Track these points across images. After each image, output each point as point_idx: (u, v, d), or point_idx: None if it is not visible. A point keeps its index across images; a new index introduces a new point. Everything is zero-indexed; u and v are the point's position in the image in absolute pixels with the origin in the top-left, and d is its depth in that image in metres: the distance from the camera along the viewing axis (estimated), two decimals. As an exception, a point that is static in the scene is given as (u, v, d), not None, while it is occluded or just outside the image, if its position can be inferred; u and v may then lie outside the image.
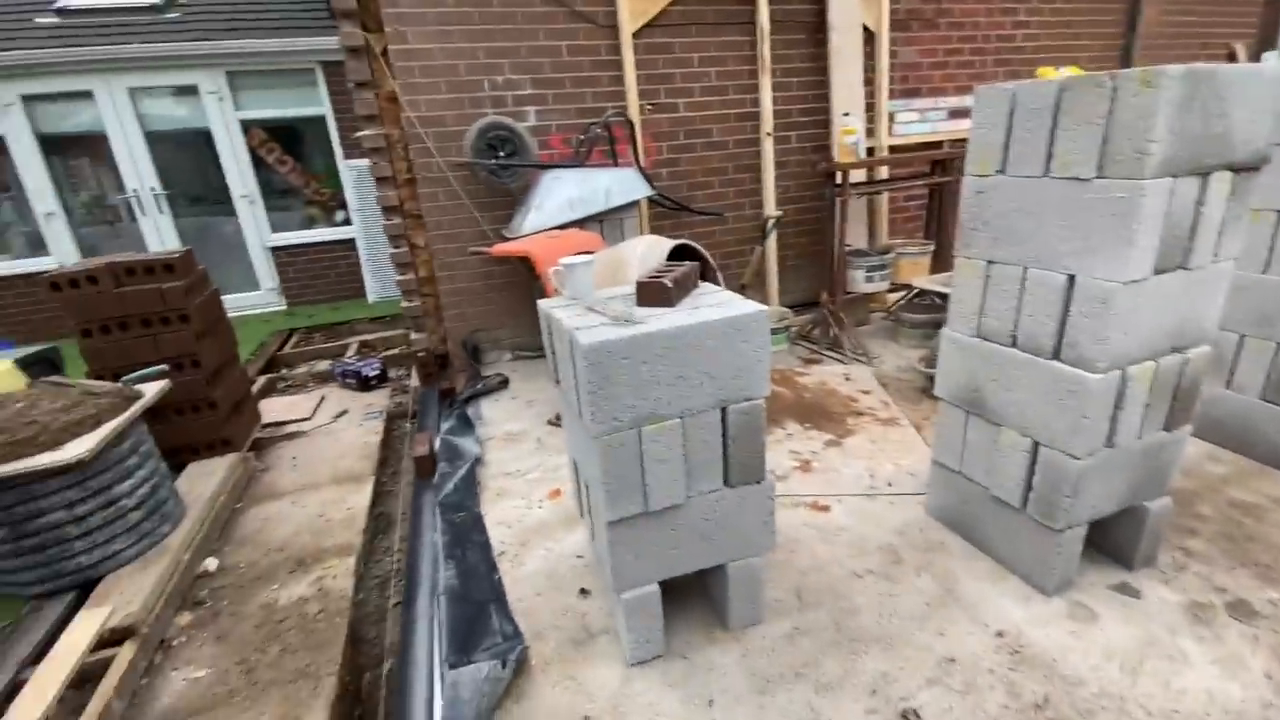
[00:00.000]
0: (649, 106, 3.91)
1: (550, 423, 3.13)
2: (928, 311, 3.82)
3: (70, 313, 2.78)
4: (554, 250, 2.98)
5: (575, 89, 3.74)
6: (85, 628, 1.83)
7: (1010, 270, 1.72)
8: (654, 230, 4.13)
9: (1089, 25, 4.91)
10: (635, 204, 3.61)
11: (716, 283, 2.90)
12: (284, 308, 6.86)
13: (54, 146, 6.02)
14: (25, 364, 2.93)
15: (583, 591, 1.92)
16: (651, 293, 1.54)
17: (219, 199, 6.52)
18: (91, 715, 1.70)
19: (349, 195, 6.61)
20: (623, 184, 3.44)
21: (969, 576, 1.89)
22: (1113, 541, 1.89)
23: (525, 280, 3.77)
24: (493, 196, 3.73)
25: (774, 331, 3.91)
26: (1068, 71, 3.31)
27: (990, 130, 1.72)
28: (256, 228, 6.63)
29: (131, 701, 1.86)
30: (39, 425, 2.12)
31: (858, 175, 4.12)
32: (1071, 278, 1.57)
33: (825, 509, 2.27)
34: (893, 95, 4.46)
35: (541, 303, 1.74)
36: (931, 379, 3.04)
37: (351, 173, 6.47)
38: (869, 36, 4.22)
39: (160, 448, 2.70)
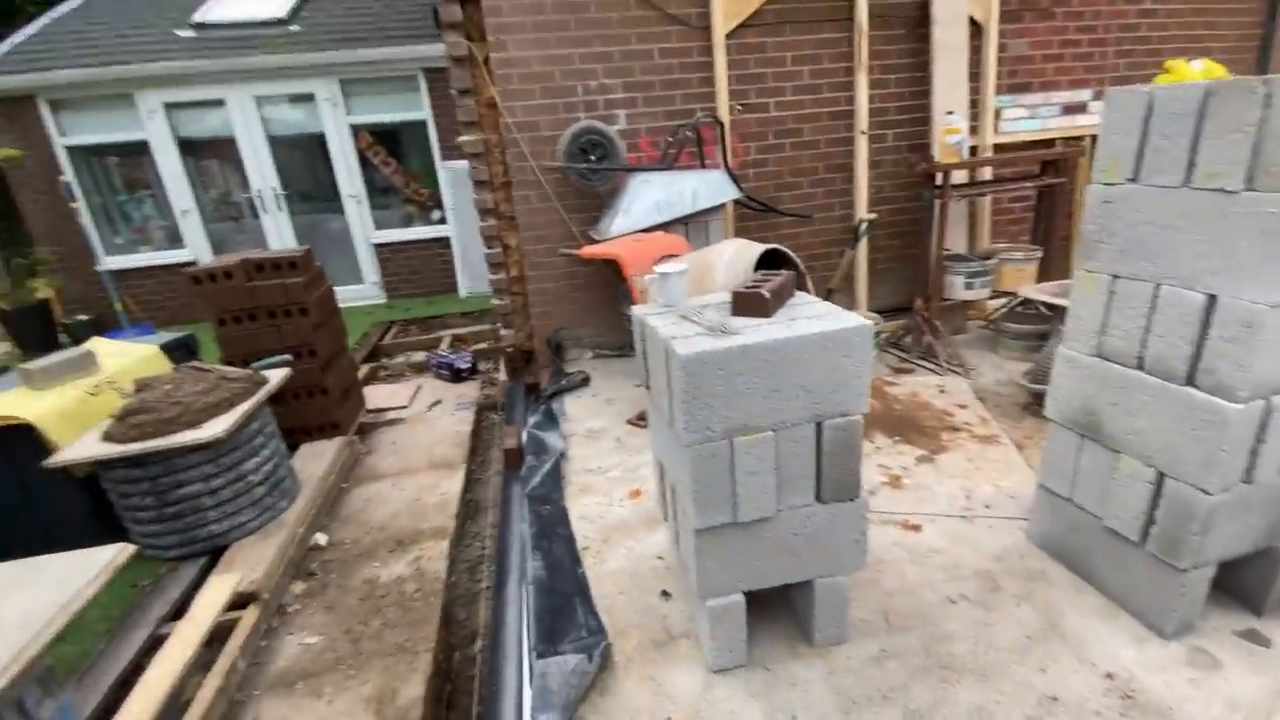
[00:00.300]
0: (739, 107, 3.88)
1: (630, 422, 3.18)
2: (1032, 322, 3.59)
3: (209, 304, 3.09)
4: (640, 253, 3.03)
5: (665, 91, 3.77)
6: (219, 590, 2.04)
7: (1139, 287, 1.60)
8: (739, 232, 4.10)
9: (1224, 14, 4.42)
10: (721, 206, 3.59)
11: (807, 289, 2.86)
12: (384, 301, 7.31)
13: (189, 149, 6.68)
14: (167, 349, 3.28)
15: (664, 594, 1.94)
16: (748, 303, 1.54)
17: (329, 198, 7.02)
18: (219, 671, 1.89)
19: (445, 195, 6.95)
20: (709, 186, 3.44)
21: (1075, 611, 1.77)
22: (1241, 584, 1.72)
23: (608, 281, 3.84)
24: (582, 199, 3.82)
25: (861, 338, 3.78)
26: (1202, 65, 3.01)
27: (1122, 135, 1.60)
28: (362, 225, 7.10)
29: (252, 661, 2.06)
30: (182, 406, 2.38)
31: (959, 176, 3.92)
32: (1212, 298, 1.44)
33: (916, 529, 2.19)
34: (1000, 90, 4.20)
35: (635, 309, 1.77)
36: (1036, 396, 2.86)
37: (447, 174, 6.79)
38: (975, 29, 3.99)
39: (279, 428, 2.96)
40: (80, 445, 2.31)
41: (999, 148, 4.28)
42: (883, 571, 1.99)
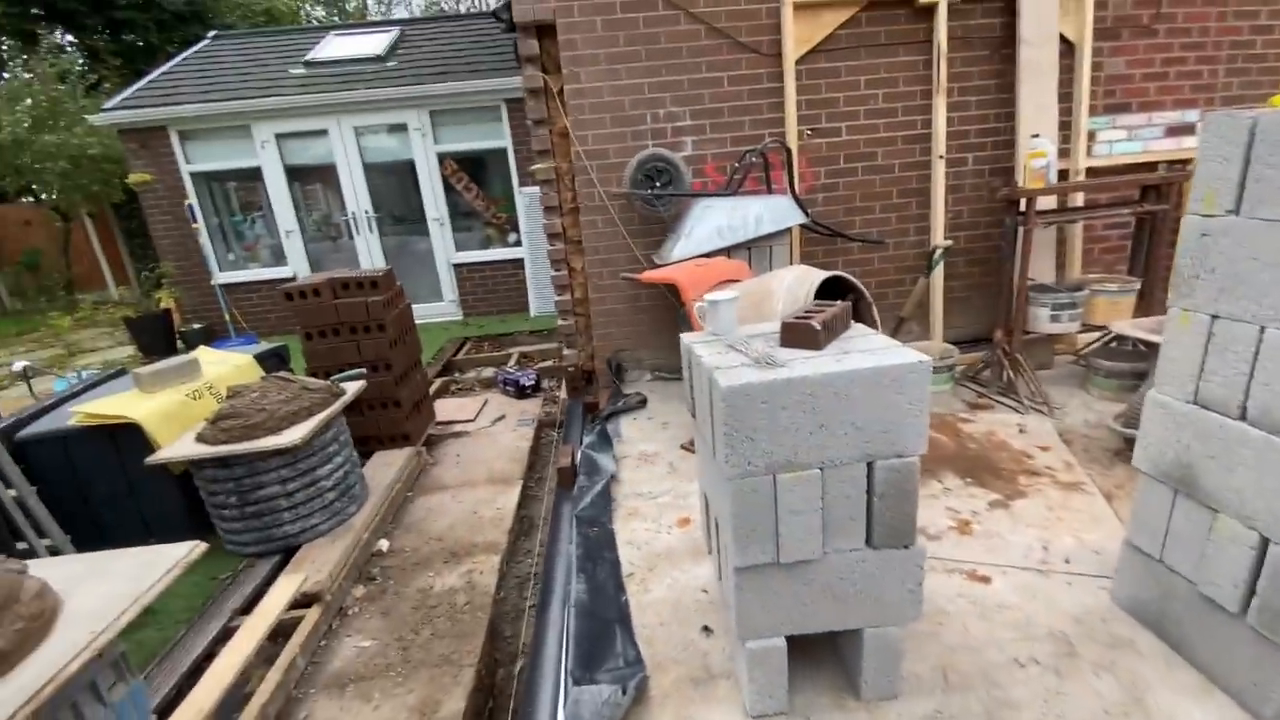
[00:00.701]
0: (808, 132, 3.83)
1: (684, 447, 3.16)
2: (1128, 359, 3.29)
3: (298, 319, 3.33)
4: (700, 278, 3.02)
5: (733, 118, 3.77)
6: (284, 589, 2.17)
7: (1242, 329, 1.44)
8: (806, 257, 4.02)
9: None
10: (786, 231, 3.54)
11: (871, 318, 2.76)
12: (460, 318, 7.65)
13: (295, 175, 7.29)
14: (260, 358, 3.56)
15: (705, 629, 1.90)
16: (797, 334, 1.51)
17: (416, 220, 7.46)
18: (280, 666, 2.00)
19: (520, 219, 7.23)
20: (774, 212, 3.39)
21: (1163, 686, 1.58)
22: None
23: (668, 304, 3.85)
24: (646, 224, 3.87)
25: (935, 370, 3.60)
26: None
27: (1221, 163, 1.46)
28: (444, 246, 7.48)
29: (311, 660, 2.17)
30: (267, 413, 2.56)
31: (1046, 202, 3.69)
32: (1333, 344, 1.27)
33: (984, 580, 2.03)
34: (1094, 111, 3.93)
35: (684, 336, 1.77)
36: (1129, 441, 2.62)
37: (524, 199, 7.06)
38: (1067, 48, 3.77)
39: (353, 437, 3.14)
40: (177, 445, 2.53)
41: (1093, 171, 4.00)
42: (944, 624, 1.86)
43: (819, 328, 1.47)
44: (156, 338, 6.73)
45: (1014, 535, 2.25)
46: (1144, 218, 3.54)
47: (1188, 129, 4.09)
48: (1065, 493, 2.51)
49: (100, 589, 1.41)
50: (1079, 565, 2.07)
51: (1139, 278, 3.53)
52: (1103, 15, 3.80)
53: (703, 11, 3.56)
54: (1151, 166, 3.95)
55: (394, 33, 8.08)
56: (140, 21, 12.28)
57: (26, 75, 8.66)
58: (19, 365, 4.70)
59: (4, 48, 11.63)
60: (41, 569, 1.52)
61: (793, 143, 3.75)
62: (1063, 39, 3.73)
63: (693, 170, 3.82)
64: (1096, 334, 3.65)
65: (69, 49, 12.04)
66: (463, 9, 18.10)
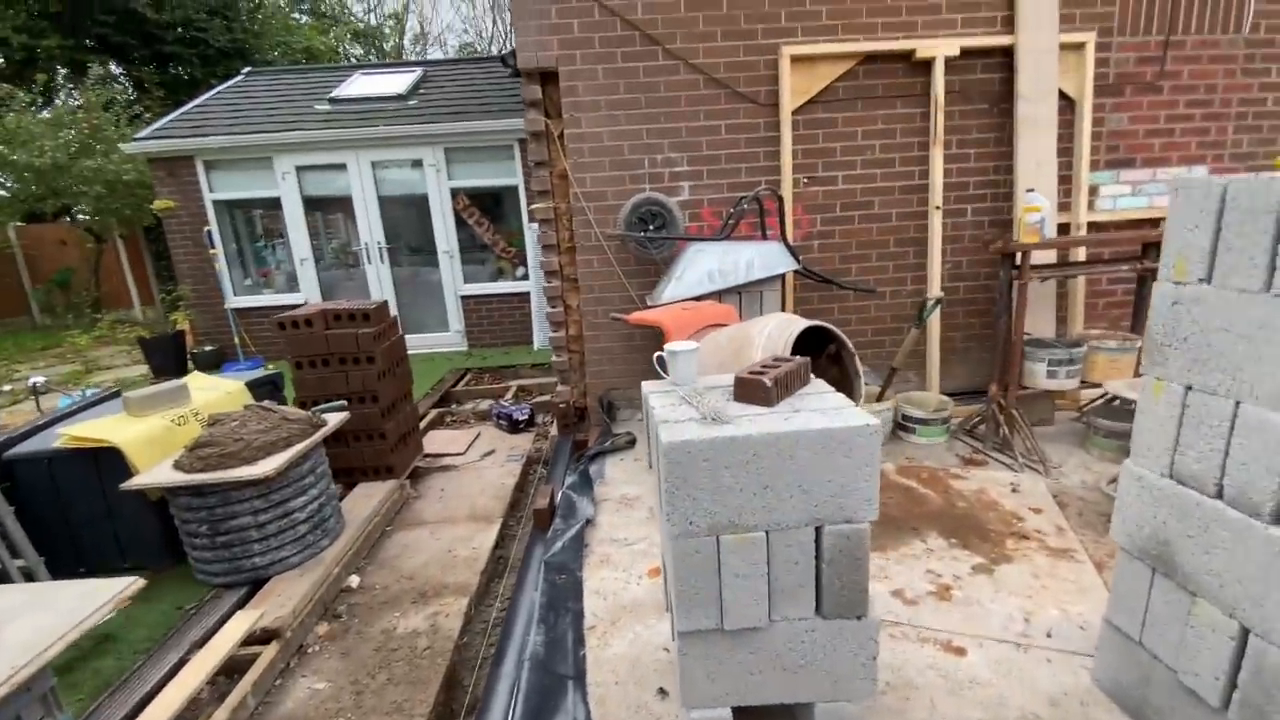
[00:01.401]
0: (805, 180, 3.85)
1: (669, 493, 3.09)
2: (1129, 419, 3.18)
3: (290, 348, 3.37)
4: (685, 322, 3.01)
5: (730, 164, 3.81)
6: (239, 625, 2.13)
7: (1217, 403, 1.38)
8: (799, 302, 4.00)
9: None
10: (778, 276, 3.53)
11: (855, 368, 2.71)
12: (465, 348, 7.71)
13: (312, 205, 7.49)
14: (253, 385, 3.59)
15: (661, 691, 1.82)
16: (749, 390, 1.47)
17: (427, 252, 7.60)
18: (229, 705, 1.95)
19: (529, 253, 7.32)
20: (766, 257, 3.39)
21: (1144, 783, 1.47)
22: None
23: (659, 346, 3.83)
24: (641, 264, 3.89)
25: (929, 423, 3.53)
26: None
27: (1192, 230, 1.42)
28: (453, 278, 7.59)
29: (263, 699, 2.11)
30: (244, 442, 2.57)
31: (1045, 257, 3.65)
32: (1305, 423, 1.21)
33: (959, 652, 1.93)
34: (1096, 166, 3.92)
35: (645, 385, 1.74)
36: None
37: (532, 234, 7.16)
38: (1067, 103, 3.78)
39: (334, 468, 3.13)
40: (153, 472, 2.54)
41: (1096, 226, 3.96)
42: (910, 699, 1.76)
43: (770, 384, 1.44)
44: (168, 358, 6.86)
45: (995, 604, 2.15)
46: (1145, 274, 3.48)
47: (1194, 186, 4.04)
48: (1054, 559, 2.40)
49: (36, 621, 1.39)
50: (1061, 640, 1.96)
51: (1140, 335, 3.44)
52: (1104, 72, 3.81)
53: (702, 62, 3.64)
54: (1157, 223, 3.90)
55: (417, 73, 8.38)
56: (186, 56, 12.92)
57: (74, 103, 9.11)
58: (33, 380, 4.81)
59: (57, 78, 12.27)
60: (-16, 598, 1.50)
61: (788, 190, 3.77)
62: (1063, 95, 3.75)
63: (689, 214, 3.86)
64: (1098, 390, 3.56)
65: (119, 80, 12.69)
66: (494, 49, 18.79)
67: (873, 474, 1.33)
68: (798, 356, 1.58)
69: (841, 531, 1.35)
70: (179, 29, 12.54)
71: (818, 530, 1.35)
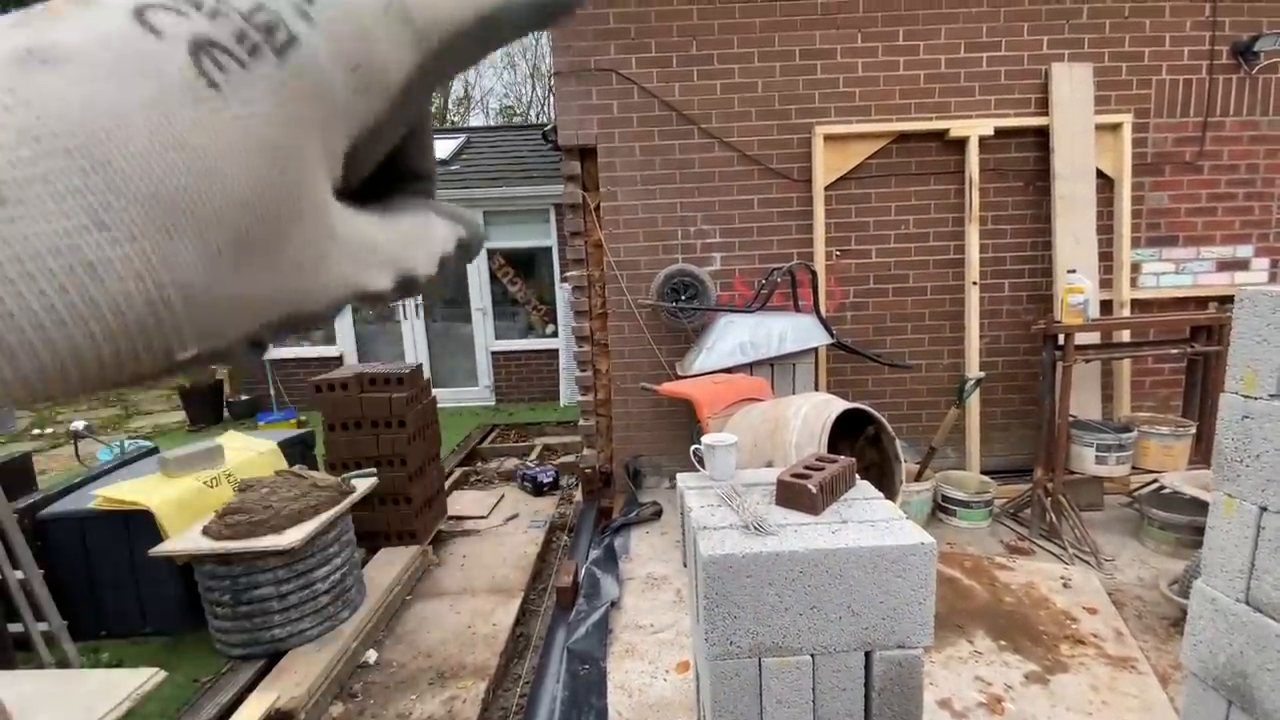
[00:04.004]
0: (837, 253, 3.86)
1: (697, 573, 2.99)
2: (1186, 511, 3.01)
3: (325, 411, 3.41)
4: (716, 395, 2.97)
5: (762, 237, 3.85)
6: (252, 710, 2.07)
7: (1298, 528, 1.28)
8: (832, 373, 3.94)
9: None
10: (811, 349, 3.50)
11: (895, 452, 2.63)
12: (493, 404, 7.75)
13: (356, 262, 7.74)
14: (286, 445, 3.63)
15: (690, 809, 1.69)
16: (793, 495, 1.42)
17: (460, 306, 7.77)
18: (239, 799, 1.87)
19: (559, 312, 7.44)
20: (798, 330, 3.37)
21: None
22: None
23: (690, 413, 3.79)
24: (672, 332, 3.90)
25: (971, 505, 3.38)
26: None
27: (1259, 343, 1.36)
28: (484, 335, 7.72)
29: (273, 791, 2.03)
30: (273, 510, 2.56)
31: (1088, 337, 3.56)
32: (1407, 563, 1.11)
33: (1013, 776, 1.78)
34: (1138, 243, 3.86)
35: (680, 477, 1.70)
36: (1186, 612, 2.34)
37: (564, 293, 7.29)
38: (1105, 181, 3.76)
39: (358, 531, 3.10)
40: (181, 539, 2.54)
41: (1140, 304, 3.87)
42: (964, 834, 1.61)
43: (815, 490, 1.38)
44: (204, 407, 7.02)
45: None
46: (1195, 359, 3.36)
47: (1241, 264, 3.96)
48: (1114, 670, 2.23)
49: (53, 715, 1.36)
50: (1129, 771, 1.79)
51: (1194, 421, 3.30)
52: (1142, 152, 3.80)
53: (736, 140, 3.74)
54: (1203, 302, 3.80)
55: (461, 139, 8.77)
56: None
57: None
58: (77, 424, 4.94)
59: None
60: (8, 682, 1.49)
61: (820, 263, 3.78)
62: (1101, 173, 3.73)
63: (720, 284, 3.88)
64: (1150, 474, 3.39)
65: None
66: (533, 114, 19.67)
67: (928, 596, 1.25)
68: (842, 457, 1.53)
69: (894, 658, 1.26)
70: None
71: (867, 655, 1.27)
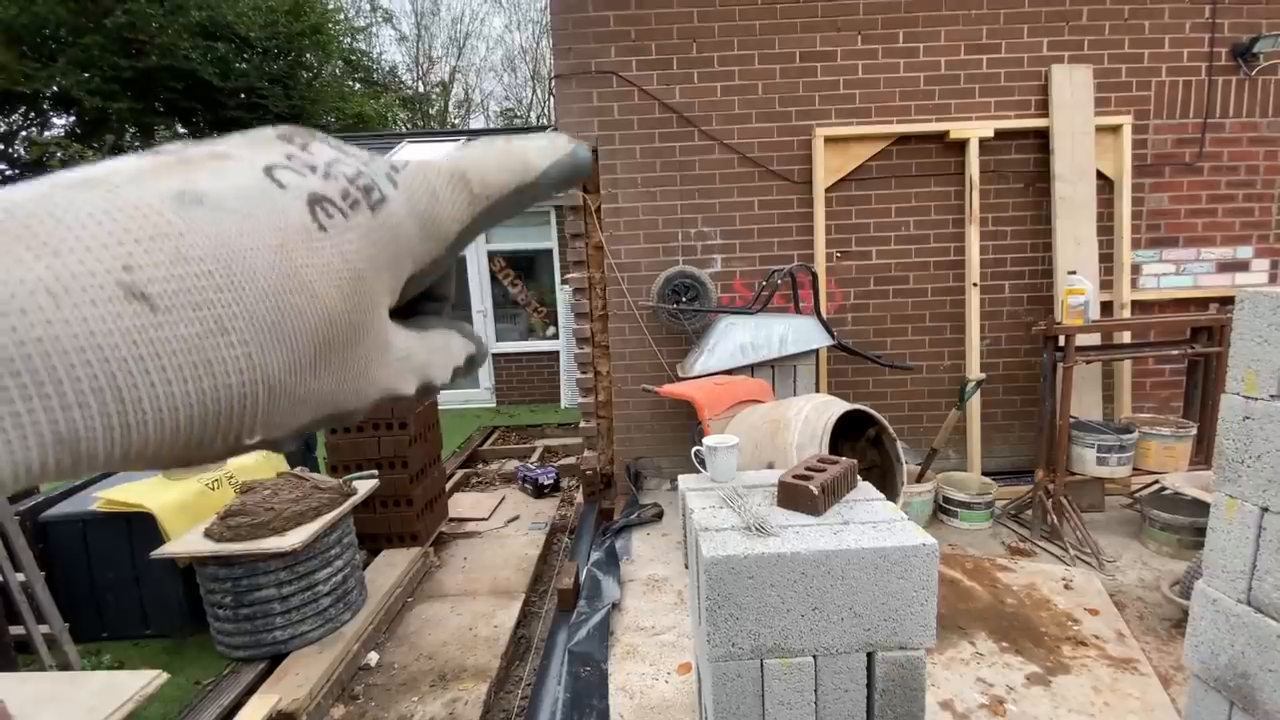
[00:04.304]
0: (837, 255, 3.87)
1: (698, 575, 2.99)
2: (1187, 512, 3.02)
3: (324, 412, 3.41)
4: (718, 397, 2.97)
5: (763, 239, 3.86)
6: (254, 712, 2.07)
7: (1299, 529, 1.28)
8: (833, 374, 3.94)
9: None
10: (812, 351, 3.50)
11: (896, 453, 2.63)
12: (494, 405, 7.76)
13: (357, 264, 7.76)
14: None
15: (692, 811, 1.69)
16: (795, 496, 1.42)
17: (461, 308, 7.78)
18: (241, 801, 1.87)
19: (560, 314, 7.45)
20: (799, 332, 3.37)
21: None
22: None
23: (691, 414, 3.79)
24: (673, 334, 3.90)
25: (972, 507, 3.38)
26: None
27: (1259, 344, 1.36)
28: (486, 336, 7.72)
29: (275, 793, 2.03)
30: (274, 513, 2.56)
31: (1089, 338, 3.56)
32: None
33: (1015, 777, 1.78)
34: (1139, 245, 3.86)
35: (681, 479, 1.70)
36: (1187, 613, 2.34)
37: (565, 295, 7.30)
38: (1105, 183, 3.77)
39: (359, 533, 3.10)
40: (183, 541, 2.55)
41: (1141, 305, 3.87)
42: (966, 835, 1.61)
43: (817, 492, 1.38)
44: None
45: (1054, 722, 1.99)
46: (1196, 360, 3.36)
47: (1241, 265, 3.96)
48: (1116, 671, 2.23)
49: (55, 716, 1.36)
50: (1131, 772, 1.79)
51: (1194, 422, 3.30)
52: (1142, 153, 3.81)
53: (736, 143, 3.74)
54: (1204, 303, 3.80)
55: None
56: (247, 120, 13.79)
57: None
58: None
59: (126, 137, 13.17)
60: (10, 685, 1.49)
61: (821, 264, 3.78)
62: (1101, 175, 3.74)
63: (720, 285, 3.88)
64: (1151, 476, 3.39)
65: (185, 140, 13.53)
66: (534, 117, 19.70)
67: (929, 597, 1.25)
68: (844, 458, 1.53)
69: (895, 659, 1.26)
70: (242, 95, 13.45)
71: (869, 656, 1.27)
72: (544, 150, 0.26)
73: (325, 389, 0.22)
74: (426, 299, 0.29)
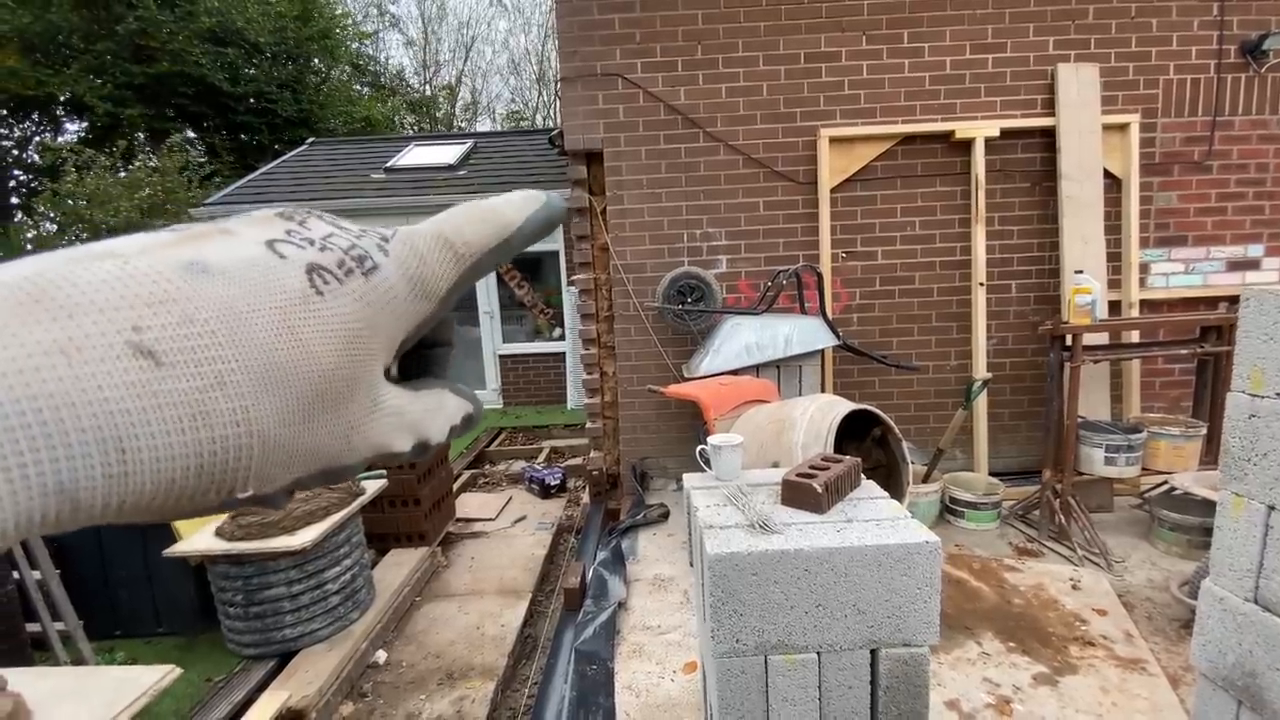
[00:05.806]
0: (843, 255, 3.87)
1: (704, 575, 3.00)
2: (1197, 512, 3.00)
3: (333, 412, 3.44)
4: (723, 397, 2.98)
5: (768, 239, 3.86)
6: (264, 709, 2.10)
7: (1306, 527, 1.28)
8: (839, 375, 3.94)
9: None
10: (818, 351, 3.50)
11: (902, 454, 2.63)
12: (500, 406, 7.79)
13: (365, 266, 7.82)
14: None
15: (698, 808, 1.70)
16: (799, 494, 1.43)
17: (468, 310, 7.81)
18: (252, 796, 1.90)
19: (567, 316, 7.47)
20: (804, 332, 3.38)
21: None
22: None
23: (697, 414, 3.80)
24: (678, 334, 3.91)
25: (979, 507, 3.37)
26: None
27: (1265, 341, 1.36)
28: (492, 338, 7.76)
29: (285, 789, 2.05)
30: (284, 512, 2.60)
31: (1096, 338, 3.54)
32: None
33: (1022, 777, 1.78)
34: (1147, 244, 3.84)
35: (686, 477, 1.71)
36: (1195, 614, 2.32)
37: (571, 296, 7.32)
38: (1113, 182, 3.75)
39: (368, 533, 3.13)
40: (195, 539, 2.58)
41: (1149, 304, 3.85)
42: (972, 834, 1.61)
43: (821, 490, 1.39)
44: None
45: (1061, 722, 1.98)
46: (1205, 359, 3.34)
47: (1252, 264, 3.93)
48: (1124, 671, 2.22)
49: (73, 710, 1.39)
50: (1139, 772, 1.79)
51: (1204, 421, 3.28)
52: (1150, 151, 3.79)
53: (741, 144, 3.75)
54: (1214, 302, 3.78)
55: (468, 145, 8.84)
56: (256, 124, 13.93)
57: (151, 164, 9.83)
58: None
59: (137, 141, 13.33)
60: (28, 680, 1.52)
61: (826, 265, 3.78)
62: (1108, 173, 3.72)
63: (726, 286, 3.89)
64: (1160, 475, 3.37)
65: (194, 144, 13.70)
66: (539, 119, 19.77)
67: (933, 594, 1.26)
68: (848, 456, 1.54)
69: (899, 656, 1.27)
70: (251, 100, 13.58)
71: (873, 653, 1.27)
72: (519, 206, 0.29)
73: (317, 442, 0.23)
74: (431, 345, 0.30)
